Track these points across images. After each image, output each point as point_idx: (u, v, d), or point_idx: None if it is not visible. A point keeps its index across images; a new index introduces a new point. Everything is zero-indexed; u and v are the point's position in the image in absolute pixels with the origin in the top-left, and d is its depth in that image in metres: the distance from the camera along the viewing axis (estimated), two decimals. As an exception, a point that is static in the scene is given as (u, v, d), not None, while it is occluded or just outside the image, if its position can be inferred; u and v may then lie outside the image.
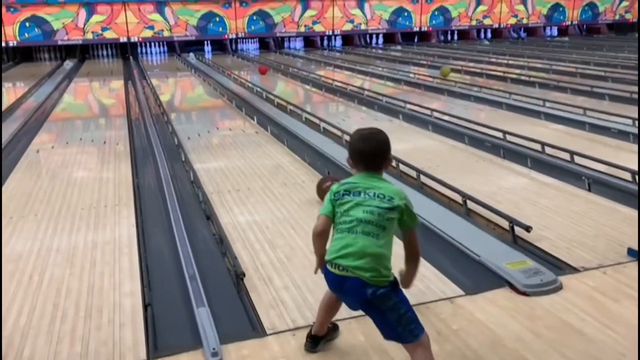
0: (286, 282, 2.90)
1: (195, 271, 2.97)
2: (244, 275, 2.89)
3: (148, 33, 16.73)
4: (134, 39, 16.67)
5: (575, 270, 2.96)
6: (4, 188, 4.60)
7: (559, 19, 21.21)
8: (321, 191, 4.25)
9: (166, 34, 16.93)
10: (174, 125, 6.89)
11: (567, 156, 4.89)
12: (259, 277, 2.96)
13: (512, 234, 3.40)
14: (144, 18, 16.53)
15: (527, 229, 3.32)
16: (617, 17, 21.80)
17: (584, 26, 21.91)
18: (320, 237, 2.13)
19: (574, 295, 2.68)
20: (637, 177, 4.28)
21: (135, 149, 5.91)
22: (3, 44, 15.54)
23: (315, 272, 2.20)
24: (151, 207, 4.14)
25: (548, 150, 5.12)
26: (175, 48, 17.45)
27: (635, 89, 8.08)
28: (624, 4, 21.60)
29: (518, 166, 4.92)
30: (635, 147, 5.33)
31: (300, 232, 3.55)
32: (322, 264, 2.13)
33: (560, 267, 3.03)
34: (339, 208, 2.04)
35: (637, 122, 6.08)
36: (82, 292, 2.82)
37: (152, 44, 17.48)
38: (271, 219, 3.81)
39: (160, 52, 17.59)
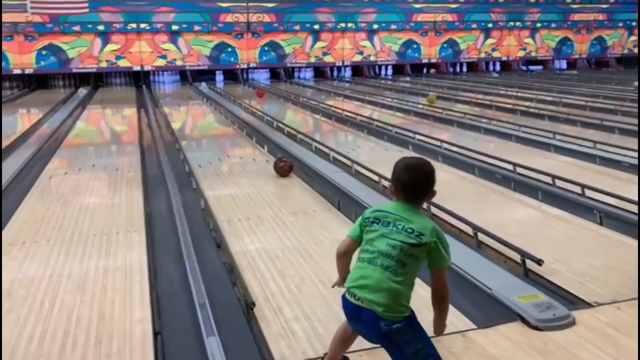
0: (296, 312, 2.89)
1: (206, 300, 2.97)
2: (254, 304, 2.89)
3: (161, 62, 17.05)
4: (147, 67, 16.98)
5: (588, 305, 2.93)
6: (17, 213, 4.65)
7: (567, 52, 21.40)
8: (277, 169, 5.79)
9: (179, 63, 17.23)
10: (186, 153, 6.96)
11: (577, 189, 4.88)
12: (269, 307, 2.95)
13: (524, 267, 3.38)
14: (158, 47, 16.87)
15: (539, 262, 3.30)
16: (625, 51, 21.97)
17: (593, 60, 22.07)
18: (341, 258, 2.15)
19: (588, 330, 2.65)
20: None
21: (147, 176, 5.97)
22: (19, 71, 15.88)
23: (333, 287, 2.20)
24: (162, 235, 4.17)
25: (559, 183, 5.12)
26: (187, 77, 17.74)
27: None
28: (632, 38, 21.80)
29: (529, 198, 4.91)
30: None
31: (310, 262, 3.55)
32: (341, 283, 2.13)
33: (572, 301, 3.00)
34: (366, 235, 2.04)
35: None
36: (93, 319, 2.82)
37: (165, 72, 17.79)
38: (281, 248, 3.81)
39: (172, 81, 17.88)
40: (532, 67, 21.32)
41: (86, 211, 4.70)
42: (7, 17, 15.14)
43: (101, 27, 16.18)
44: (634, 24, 21.39)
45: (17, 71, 15.92)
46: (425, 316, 2.80)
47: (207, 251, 3.81)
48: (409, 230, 1.95)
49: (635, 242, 3.79)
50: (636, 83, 15.52)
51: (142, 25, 16.47)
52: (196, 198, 5.09)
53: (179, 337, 2.71)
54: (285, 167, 5.77)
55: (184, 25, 16.82)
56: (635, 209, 4.35)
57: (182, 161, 6.63)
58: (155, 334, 2.65)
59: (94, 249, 3.81)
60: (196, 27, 16.94)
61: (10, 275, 3.37)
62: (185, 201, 4.98)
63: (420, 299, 3.02)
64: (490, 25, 20.01)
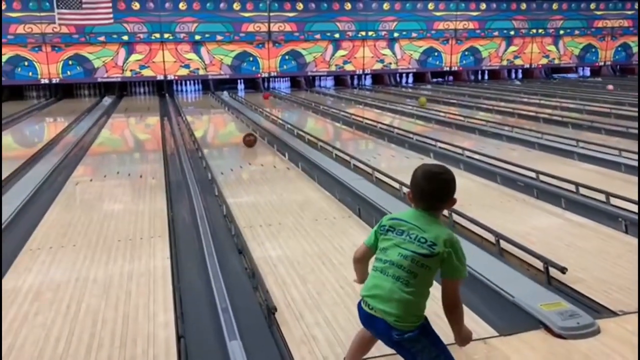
0: (317, 318, 2.90)
1: (228, 304, 3.00)
2: (275, 310, 2.91)
3: (184, 71, 17.29)
4: (170, 77, 17.24)
5: (613, 313, 2.88)
6: (44, 218, 4.75)
7: (591, 59, 21.11)
8: (244, 142, 7.27)
9: (201, 72, 17.46)
10: (208, 160, 7.05)
11: (602, 197, 4.81)
12: (290, 312, 2.97)
13: (547, 275, 3.35)
14: (181, 57, 17.12)
15: (563, 270, 3.26)
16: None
17: (618, 67, 21.73)
18: (357, 264, 2.19)
19: (612, 339, 2.61)
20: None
21: (170, 183, 6.05)
22: (46, 81, 16.26)
23: (354, 281, 2.27)
24: (185, 240, 4.22)
25: (582, 190, 5.05)
26: (209, 86, 17.97)
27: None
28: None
29: (552, 206, 4.86)
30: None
31: (331, 268, 3.57)
32: (360, 283, 2.17)
33: (597, 310, 2.96)
34: (381, 244, 2.04)
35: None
36: (118, 322, 2.87)
37: (188, 82, 18.04)
38: (302, 254, 3.83)
39: (195, 90, 18.11)
40: (561, 75, 21.05)
41: (111, 217, 4.78)
42: (35, 29, 15.55)
43: (125, 37, 16.50)
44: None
45: (45, 81, 16.30)
46: (445, 323, 2.79)
47: (229, 257, 3.85)
48: (422, 240, 1.93)
49: (662, 251, 3.72)
50: (610, 86, 15.33)
51: (166, 35, 16.75)
52: (218, 204, 5.15)
53: (202, 341, 2.74)
54: (250, 140, 7.21)
55: (207, 35, 17.05)
56: (662, 217, 4.27)
57: (205, 168, 6.71)
58: (179, 337, 2.69)
59: (119, 254, 3.88)
60: (218, 37, 17.16)
61: (38, 279, 3.45)
62: (207, 207, 5.04)
63: (440, 304, 3.02)
64: (512, 32, 19.87)
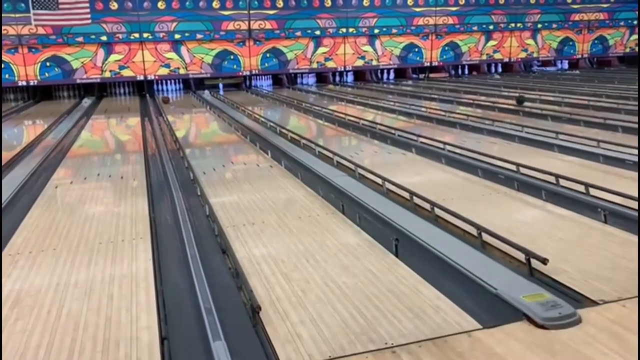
0: (302, 316, 2.89)
1: (212, 305, 2.98)
2: (259, 309, 2.90)
3: (164, 71, 17.13)
4: (150, 77, 17.06)
5: (594, 303, 2.92)
6: (23, 223, 4.68)
7: (569, 52, 21.36)
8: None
9: (182, 71, 17.31)
10: (190, 160, 6.99)
11: (582, 188, 4.87)
12: (275, 311, 2.96)
13: (529, 267, 3.38)
14: (161, 57, 16.95)
15: (544, 261, 3.30)
16: (627, 50, 21.92)
17: (595, 59, 22.02)
18: None
19: (594, 328, 2.65)
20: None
21: (152, 184, 6.00)
22: (24, 83, 15.99)
23: None
24: (167, 241, 4.19)
25: (563, 182, 5.11)
26: (190, 85, 17.82)
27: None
28: (634, 37, 21.75)
29: (533, 199, 4.91)
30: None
31: (315, 265, 3.56)
32: None
33: (578, 300, 3.00)
34: None
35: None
36: (100, 326, 2.84)
37: (168, 81, 17.87)
38: (286, 252, 3.82)
39: (176, 90, 17.95)
40: (546, 68, 21.29)
41: (92, 219, 4.72)
42: (11, 30, 15.27)
43: (104, 38, 16.28)
44: (635, 22, 21.35)
45: (22, 83, 16.02)
46: (429, 316, 2.81)
47: (213, 257, 3.82)
48: None
49: (630, 237, 3.78)
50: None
51: (145, 35, 16.56)
52: (201, 205, 5.11)
53: (186, 342, 2.72)
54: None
55: (186, 34, 16.90)
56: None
57: (187, 168, 6.66)
58: (162, 339, 2.66)
59: (100, 257, 3.83)
60: (198, 36, 17.02)
61: (17, 285, 3.39)
62: (190, 208, 5.00)
63: (424, 298, 3.05)
64: (491, 27, 20.02)
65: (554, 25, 20.75)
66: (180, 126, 10.95)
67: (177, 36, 16.86)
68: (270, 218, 4.61)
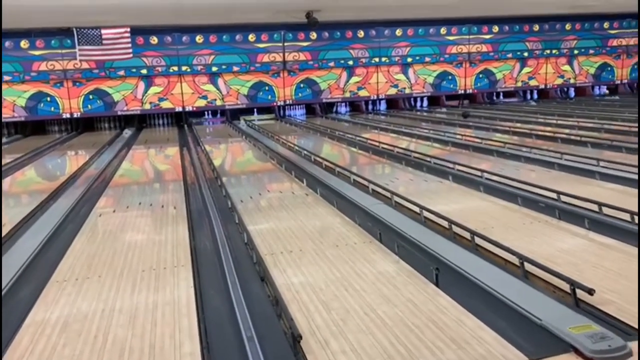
0: (343, 345, 2.89)
1: (253, 333, 3.01)
2: (300, 337, 2.90)
3: (202, 102, 17.60)
4: (188, 108, 17.55)
5: (643, 335, 2.83)
6: (69, 250, 4.83)
7: (607, 78, 21.01)
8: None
9: (219, 103, 17.74)
10: (227, 189, 7.11)
11: (626, 216, 4.74)
12: (316, 340, 2.96)
13: (574, 297, 3.30)
14: (198, 89, 17.44)
15: (590, 291, 3.21)
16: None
17: (635, 84, 21.58)
18: None
19: (646, 362, 2.55)
20: None
21: (192, 212, 6.12)
22: (68, 116, 16.66)
23: None
24: (208, 269, 4.25)
25: (606, 210, 4.99)
26: (227, 116, 18.24)
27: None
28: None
29: (575, 227, 4.80)
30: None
31: (354, 294, 3.55)
32: None
33: (628, 332, 2.90)
34: None
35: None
36: (144, 352, 2.89)
37: (206, 112, 18.34)
38: (324, 281, 3.83)
39: (213, 120, 18.39)
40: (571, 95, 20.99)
41: (134, 247, 4.84)
42: (57, 65, 16.00)
43: (144, 71, 16.88)
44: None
45: (66, 115, 16.69)
46: (473, 347, 2.77)
47: (252, 284, 3.86)
48: None
49: (691, 270, 3.65)
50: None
51: (184, 68, 17.10)
52: (239, 232, 5.18)
53: (228, 370, 2.74)
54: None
55: (223, 67, 17.38)
56: (689, 235, 4.20)
57: (224, 197, 6.77)
58: (205, 366, 2.69)
59: (144, 284, 3.92)
60: (235, 68, 17.48)
61: (66, 310, 3.50)
62: (228, 235, 5.08)
63: (466, 329, 3.00)
64: (525, 54, 19.91)
65: (591, 51, 20.50)
66: (217, 155, 11.16)
67: (214, 69, 17.35)
68: (307, 246, 4.64)
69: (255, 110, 18.67)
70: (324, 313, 3.29)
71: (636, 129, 10.56)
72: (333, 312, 3.30)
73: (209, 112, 18.35)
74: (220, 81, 17.58)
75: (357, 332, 3.02)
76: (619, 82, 21.20)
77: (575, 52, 20.35)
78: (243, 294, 3.58)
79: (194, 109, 17.68)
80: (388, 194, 6.29)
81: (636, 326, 2.94)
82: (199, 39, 17.00)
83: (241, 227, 5.27)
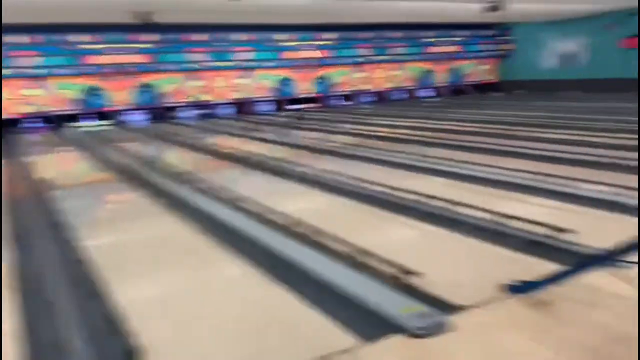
0: (194, 355, 2.83)
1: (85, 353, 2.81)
2: (140, 352, 2.79)
3: (26, 109, 15.99)
4: (6, 116, 15.82)
5: (463, 309, 3.18)
6: None
7: (429, 81, 23.44)
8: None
9: (44, 109, 16.25)
10: (60, 203, 6.53)
11: (449, 205, 5.29)
12: (159, 354, 2.86)
13: (401, 281, 3.60)
14: (20, 94, 15.81)
15: (415, 274, 3.54)
16: (479, 79, 24.58)
17: (452, 87, 24.33)
18: None
19: (464, 333, 2.88)
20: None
21: (18, 233, 5.51)
22: None
23: None
24: (37, 293, 3.87)
25: (434, 202, 5.52)
26: (54, 122, 16.75)
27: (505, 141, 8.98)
28: (485, 67, 24.52)
29: (406, 218, 5.23)
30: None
31: (200, 302, 3.51)
32: None
33: (447, 308, 3.23)
34: None
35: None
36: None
37: (29, 119, 16.63)
38: (170, 292, 3.72)
39: (38, 127, 16.74)
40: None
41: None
42: None
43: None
44: (486, 53, 24.03)
45: None
46: (310, 338, 2.88)
47: (88, 302, 3.60)
48: None
49: (499, 249, 4.20)
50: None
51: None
52: (74, 249, 4.80)
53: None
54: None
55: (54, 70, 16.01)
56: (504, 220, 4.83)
57: (57, 212, 6.22)
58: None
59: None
60: (62, 71, 16.18)
61: None
62: (62, 253, 4.67)
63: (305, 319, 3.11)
64: (360, 60, 21.42)
65: (416, 58, 22.75)
66: (45, 167, 10.19)
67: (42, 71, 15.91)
68: (149, 257, 4.46)
69: (87, 116, 17.38)
70: (169, 326, 3.20)
71: (458, 128, 11.85)
72: (182, 323, 3.21)
73: (34, 118, 16.68)
74: (47, 85, 16.13)
75: (203, 339, 2.99)
76: (439, 85, 23.83)
77: (402, 58, 22.45)
78: (78, 314, 3.33)
79: (15, 116, 15.97)
80: (232, 198, 6.28)
81: (456, 303, 3.29)
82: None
83: (77, 243, 4.89)
